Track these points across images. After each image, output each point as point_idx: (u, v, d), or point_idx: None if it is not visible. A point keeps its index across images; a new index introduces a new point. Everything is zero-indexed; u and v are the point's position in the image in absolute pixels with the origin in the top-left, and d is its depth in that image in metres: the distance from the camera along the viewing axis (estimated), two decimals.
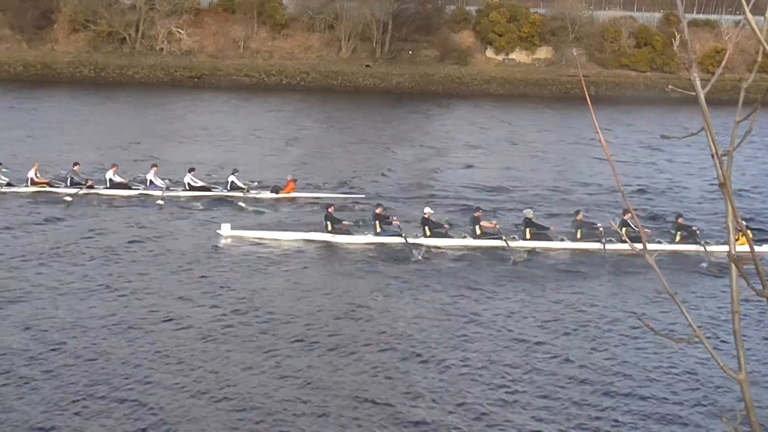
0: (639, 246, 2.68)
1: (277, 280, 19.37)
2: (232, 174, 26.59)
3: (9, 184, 26.03)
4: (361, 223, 22.45)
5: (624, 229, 21.05)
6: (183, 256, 20.88)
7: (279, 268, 20.20)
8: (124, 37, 60.13)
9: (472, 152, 38.52)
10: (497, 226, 21.86)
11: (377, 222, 21.46)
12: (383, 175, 32.11)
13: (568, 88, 61.24)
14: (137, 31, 60.07)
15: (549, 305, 18.26)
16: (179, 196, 26.41)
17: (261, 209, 25.17)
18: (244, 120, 45.75)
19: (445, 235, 21.67)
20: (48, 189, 26.00)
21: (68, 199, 25.11)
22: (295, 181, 26.60)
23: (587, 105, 2.97)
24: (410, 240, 21.13)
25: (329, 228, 21.42)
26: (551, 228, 22.38)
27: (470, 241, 21.52)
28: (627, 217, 21.33)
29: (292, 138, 40.25)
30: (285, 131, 42.05)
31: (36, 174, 26.27)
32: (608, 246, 21.45)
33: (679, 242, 22.04)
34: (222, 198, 26.52)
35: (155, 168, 26.81)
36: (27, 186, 26.05)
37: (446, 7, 66.18)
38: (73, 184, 26.02)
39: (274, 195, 26.16)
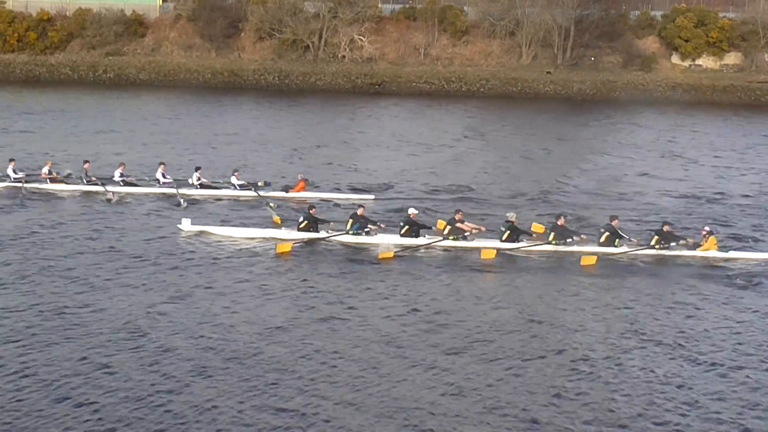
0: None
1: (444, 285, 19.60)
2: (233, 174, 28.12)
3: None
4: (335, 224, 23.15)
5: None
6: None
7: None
8: (308, 45, 64.35)
9: (652, 160, 38.89)
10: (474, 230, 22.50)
11: (351, 221, 22.45)
12: (506, 178, 33.40)
13: (758, 95, 61.77)
14: (320, 39, 64.18)
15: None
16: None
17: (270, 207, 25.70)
18: (418, 126, 48.08)
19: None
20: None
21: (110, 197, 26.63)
22: (305, 180, 28.00)
23: None
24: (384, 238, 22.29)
25: (301, 226, 22.45)
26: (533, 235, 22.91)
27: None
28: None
29: (451, 143, 42.08)
30: (451, 136, 43.97)
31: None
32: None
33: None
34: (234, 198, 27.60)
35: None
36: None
37: (631, 12, 67.71)
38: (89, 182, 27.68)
39: (284, 194, 27.44)
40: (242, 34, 65.80)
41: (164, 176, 27.91)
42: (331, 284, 19.38)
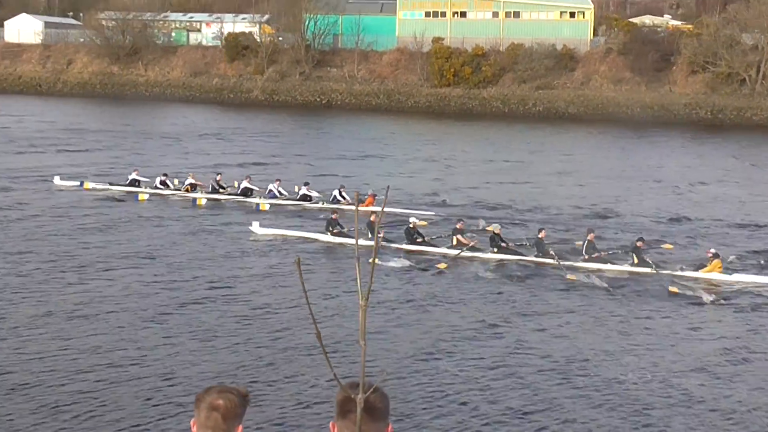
0: None
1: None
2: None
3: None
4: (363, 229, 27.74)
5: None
6: None
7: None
8: (744, 78, 68.79)
9: None
10: (473, 243, 25.93)
11: (368, 229, 27.15)
12: None
13: None
14: (758, 71, 68.38)
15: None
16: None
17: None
18: None
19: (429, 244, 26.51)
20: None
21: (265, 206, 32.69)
22: (374, 196, 32.04)
23: None
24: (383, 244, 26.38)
25: (330, 230, 27.53)
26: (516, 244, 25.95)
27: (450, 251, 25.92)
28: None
29: None
30: None
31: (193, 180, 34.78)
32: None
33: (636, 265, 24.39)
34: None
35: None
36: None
37: None
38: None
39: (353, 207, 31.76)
40: (674, 67, 72.00)
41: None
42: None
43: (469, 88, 74.88)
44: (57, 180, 35.89)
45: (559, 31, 78.23)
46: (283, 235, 28.18)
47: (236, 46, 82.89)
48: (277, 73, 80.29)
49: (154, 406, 14.07)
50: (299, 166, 43.86)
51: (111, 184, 35.51)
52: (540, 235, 25.55)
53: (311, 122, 67.69)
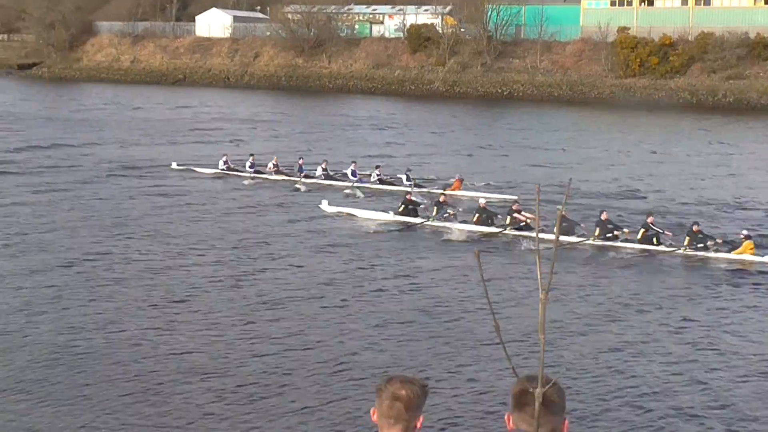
0: None
1: None
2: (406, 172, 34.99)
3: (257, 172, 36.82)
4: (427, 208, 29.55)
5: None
6: None
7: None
8: None
9: None
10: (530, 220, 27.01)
11: (436, 208, 28.61)
12: None
13: None
14: None
15: None
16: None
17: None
18: None
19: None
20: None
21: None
22: (462, 180, 33.74)
23: None
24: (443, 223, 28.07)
25: (400, 210, 29.03)
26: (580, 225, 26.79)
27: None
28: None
29: None
30: None
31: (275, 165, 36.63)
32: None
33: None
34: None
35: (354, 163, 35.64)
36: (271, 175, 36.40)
37: None
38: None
39: (440, 191, 32.38)
40: None
41: (354, 174, 35.32)
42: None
43: (655, 78, 74.53)
44: (174, 165, 38.60)
45: (752, 18, 76.72)
46: (349, 213, 29.89)
47: (418, 38, 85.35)
48: (459, 65, 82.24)
49: (330, 393, 14.61)
50: (461, 158, 44.95)
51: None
52: (603, 217, 26.41)
53: (491, 113, 69.09)
